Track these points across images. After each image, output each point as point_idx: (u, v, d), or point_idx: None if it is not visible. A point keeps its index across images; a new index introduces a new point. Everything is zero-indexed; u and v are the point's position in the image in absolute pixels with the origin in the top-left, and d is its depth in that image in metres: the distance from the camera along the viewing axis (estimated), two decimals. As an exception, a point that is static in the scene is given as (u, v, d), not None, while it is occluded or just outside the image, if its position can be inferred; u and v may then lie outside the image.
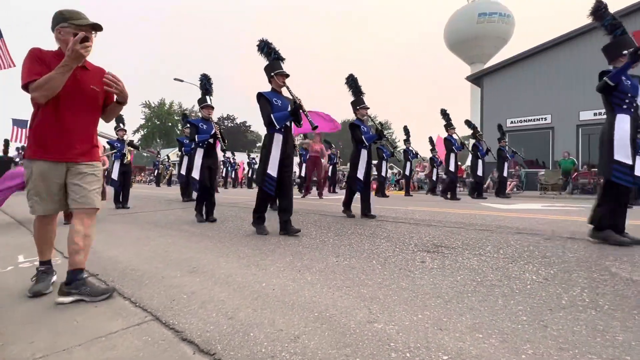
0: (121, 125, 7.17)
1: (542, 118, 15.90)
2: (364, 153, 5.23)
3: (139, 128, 48.90)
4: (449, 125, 9.58)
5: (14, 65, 7.74)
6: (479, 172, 9.99)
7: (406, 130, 11.84)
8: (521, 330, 1.51)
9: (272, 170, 3.77)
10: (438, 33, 51.45)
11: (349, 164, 5.60)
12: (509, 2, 45.95)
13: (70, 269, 1.98)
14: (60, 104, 1.92)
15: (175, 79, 25.81)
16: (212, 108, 5.26)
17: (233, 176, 21.26)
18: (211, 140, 5.10)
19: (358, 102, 5.31)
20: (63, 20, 1.93)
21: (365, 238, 3.68)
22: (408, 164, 11.99)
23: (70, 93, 1.94)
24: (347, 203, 5.50)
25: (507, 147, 10.82)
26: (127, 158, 7.07)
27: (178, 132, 50.27)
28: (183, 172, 8.75)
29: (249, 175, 20.45)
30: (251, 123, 54.55)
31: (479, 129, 10.32)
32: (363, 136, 5.20)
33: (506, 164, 10.74)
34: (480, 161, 9.93)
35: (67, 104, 1.95)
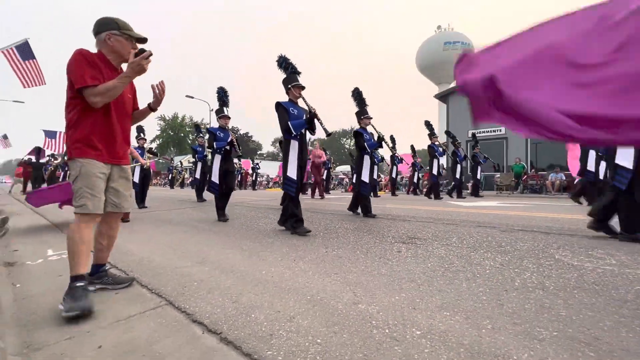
0: (142, 134, 7.10)
1: (497, 130, 16.21)
2: (366, 158, 5.06)
3: (155, 138, 48.34)
4: (432, 135, 9.48)
5: (45, 84, 7.53)
6: (457, 175, 9.85)
7: (392, 139, 11.71)
8: (481, 308, 1.53)
9: (292, 173, 3.59)
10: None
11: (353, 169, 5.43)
12: (469, 34, 46.97)
13: (94, 263, 1.91)
14: (110, 109, 1.77)
15: (187, 96, 25.56)
16: (229, 118, 5.06)
17: (239, 179, 21.08)
18: (227, 147, 4.89)
19: (362, 113, 5.13)
20: (116, 28, 1.77)
21: (351, 232, 3.68)
22: (394, 168, 11.95)
23: (117, 99, 1.81)
24: (365, 208, 5.04)
25: (480, 154, 10.74)
26: (146, 164, 6.96)
27: (189, 141, 49.75)
28: (197, 176, 8.69)
29: (254, 178, 20.33)
30: (252, 133, 54.41)
31: (457, 138, 10.29)
32: (365, 143, 5.03)
33: (479, 168, 10.67)
34: (459, 166, 9.82)
35: (115, 109, 1.81)
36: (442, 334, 1.28)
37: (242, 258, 2.55)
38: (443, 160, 11.39)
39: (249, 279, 2.01)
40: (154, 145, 44.57)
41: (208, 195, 8.82)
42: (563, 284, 1.85)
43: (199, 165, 8.62)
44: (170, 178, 23.43)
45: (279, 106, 3.66)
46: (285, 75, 3.79)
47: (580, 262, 2.26)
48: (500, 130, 16.11)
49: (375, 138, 5.23)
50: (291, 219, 3.65)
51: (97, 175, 1.71)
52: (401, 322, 1.40)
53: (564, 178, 12.60)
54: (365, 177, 4.99)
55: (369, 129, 5.19)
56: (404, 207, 6.72)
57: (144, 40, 1.84)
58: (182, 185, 24.53)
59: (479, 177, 10.79)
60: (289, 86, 3.72)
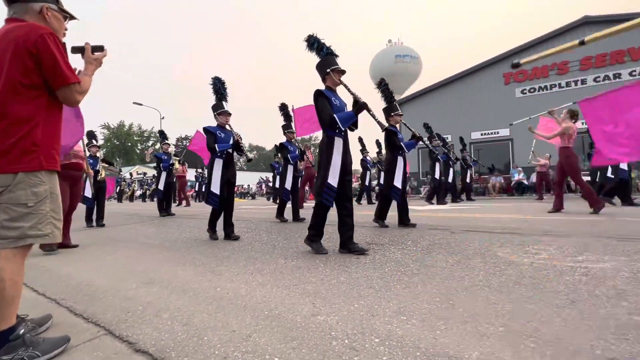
0: (94, 141, 6.18)
1: (444, 137, 17.42)
2: (400, 160, 4.44)
3: (98, 147, 44.65)
4: (432, 137, 9.08)
5: None
6: (450, 179, 9.54)
7: (360, 141, 10.50)
8: (436, 309, 1.58)
9: (333, 179, 2.90)
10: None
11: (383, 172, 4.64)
12: (417, 47, 50.33)
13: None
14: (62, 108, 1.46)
15: (134, 103, 23.99)
16: (229, 114, 4.13)
17: (204, 190, 19.88)
18: (230, 150, 4.09)
19: (391, 109, 4.47)
20: (54, 2, 1.45)
21: (310, 240, 3.64)
22: (368, 173, 10.98)
23: None
24: (382, 213, 4.57)
25: (469, 156, 10.73)
26: (100, 175, 6.15)
27: (137, 151, 46.57)
28: (161, 187, 7.89)
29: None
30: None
31: (447, 141, 9.92)
32: (402, 143, 4.43)
33: (469, 172, 10.63)
34: (451, 169, 9.56)
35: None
36: (400, 339, 1.30)
37: (195, 275, 2.39)
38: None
39: (202, 298, 1.88)
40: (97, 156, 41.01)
41: (203, 209, 8.24)
42: (505, 280, 1.98)
43: (163, 175, 7.80)
44: (118, 191, 21.59)
45: (319, 95, 2.97)
46: (319, 59, 3.11)
47: (519, 258, 2.46)
48: (447, 138, 17.32)
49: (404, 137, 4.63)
50: (311, 230, 3.05)
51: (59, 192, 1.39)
52: (360, 330, 1.39)
53: (502, 181, 13.89)
54: (398, 182, 4.38)
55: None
56: (362, 213, 6.86)
57: (72, 17, 1.55)
58: (131, 198, 22.76)
59: (468, 180, 10.68)
60: (327, 71, 3.03)
